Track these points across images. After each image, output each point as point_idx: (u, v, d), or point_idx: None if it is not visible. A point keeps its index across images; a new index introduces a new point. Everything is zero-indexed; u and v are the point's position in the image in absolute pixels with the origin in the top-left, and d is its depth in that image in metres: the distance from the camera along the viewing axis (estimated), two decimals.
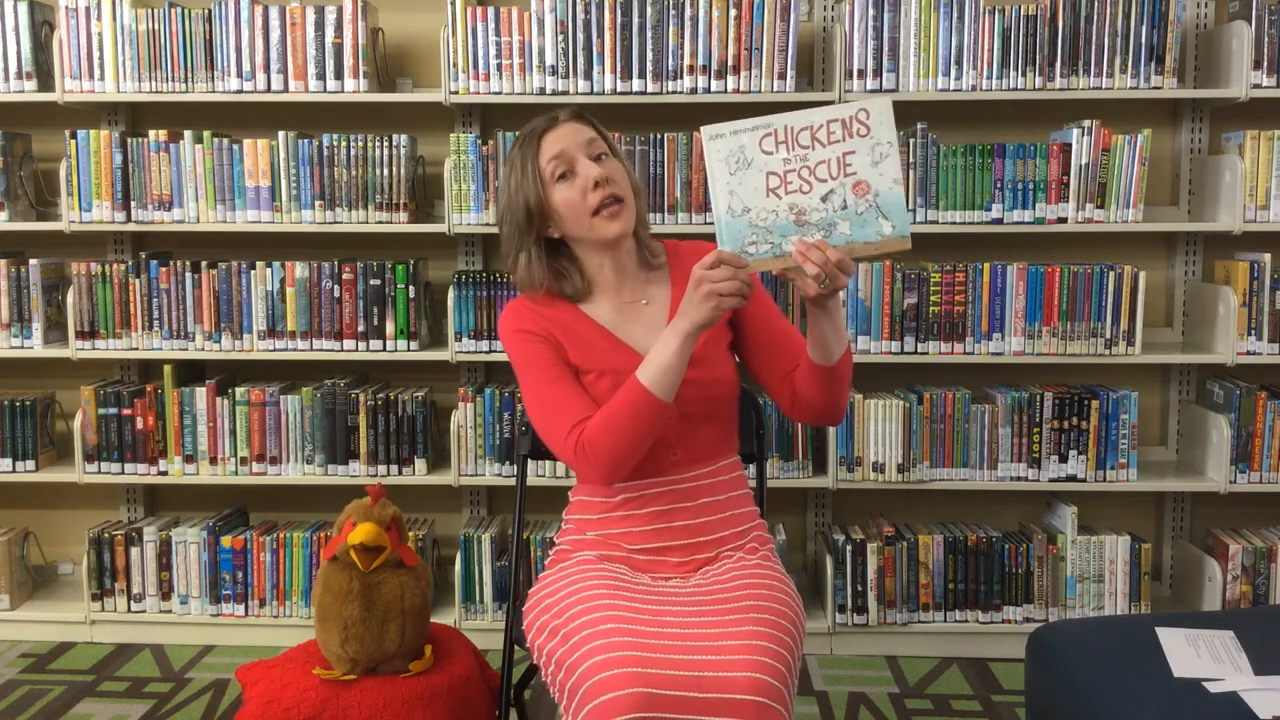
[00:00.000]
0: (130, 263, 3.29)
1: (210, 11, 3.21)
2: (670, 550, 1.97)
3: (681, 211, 3.20)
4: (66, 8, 3.22)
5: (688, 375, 1.87)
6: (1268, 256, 3.17)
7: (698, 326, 1.80)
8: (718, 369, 2.00)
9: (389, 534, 2.21)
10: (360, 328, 3.26)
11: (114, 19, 3.22)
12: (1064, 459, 3.21)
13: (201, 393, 3.28)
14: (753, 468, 2.31)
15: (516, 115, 3.37)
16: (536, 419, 1.97)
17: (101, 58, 3.24)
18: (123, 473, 3.32)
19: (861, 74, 3.17)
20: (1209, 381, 3.39)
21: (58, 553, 3.64)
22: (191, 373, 3.40)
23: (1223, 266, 3.29)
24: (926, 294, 3.19)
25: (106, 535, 3.32)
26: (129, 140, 3.25)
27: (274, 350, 3.27)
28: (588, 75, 3.17)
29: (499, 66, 3.19)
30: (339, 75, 3.21)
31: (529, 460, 2.38)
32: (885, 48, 3.16)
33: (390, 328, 3.25)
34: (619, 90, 3.17)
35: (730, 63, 3.15)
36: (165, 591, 3.33)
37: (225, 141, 3.25)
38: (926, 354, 3.21)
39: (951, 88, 3.16)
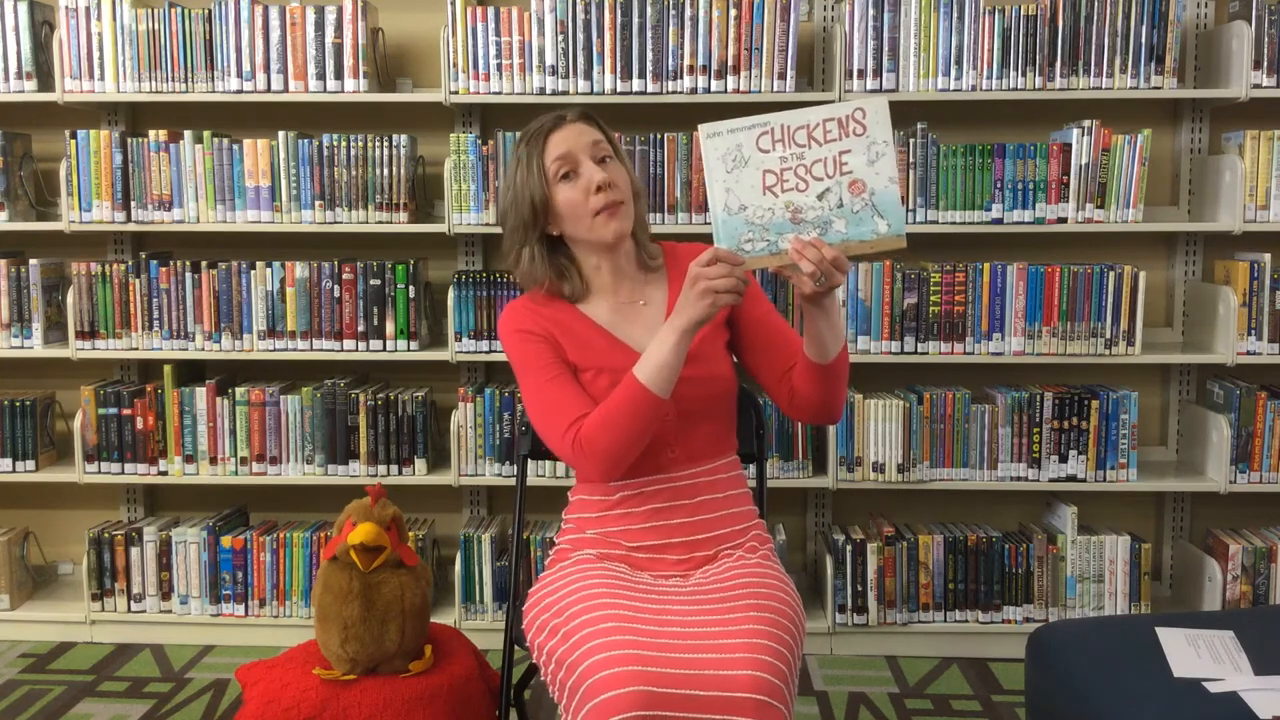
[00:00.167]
0: (130, 263, 3.29)
1: (210, 11, 3.21)
2: (669, 548, 1.97)
3: (681, 211, 3.20)
4: (66, 8, 3.23)
5: (685, 373, 1.88)
6: (1268, 256, 3.16)
7: (694, 323, 1.81)
8: (715, 367, 2.01)
9: (389, 534, 2.21)
10: (360, 328, 3.26)
11: (114, 19, 3.22)
12: (1064, 459, 3.21)
13: (201, 393, 3.28)
14: (753, 468, 2.31)
15: (516, 115, 3.37)
16: (535, 417, 1.98)
17: (101, 58, 3.24)
18: (123, 473, 3.32)
19: (861, 74, 3.17)
20: (1209, 381, 3.39)
21: (58, 553, 3.64)
22: (191, 373, 3.40)
23: (1223, 266, 3.29)
24: (926, 294, 3.19)
25: (106, 535, 3.32)
26: (129, 140, 3.25)
27: (274, 350, 3.27)
28: (588, 75, 3.17)
29: (499, 66, 3.19)
30: (339, 75, 3.21)
31: (529, 460, 2.39)
32: (885, 48, 3.16)
33: (390, 328, 3.25)
34: (619, 90, 3.17)
35: (730, 63, 3.15)
36: (165, 591, 3.33)
37: (225, 141, 3.25)
38: (926, 354, 3.21)
39: (951, 88, 3.16)
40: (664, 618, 1.79)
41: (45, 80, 3.32)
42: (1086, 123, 3.14)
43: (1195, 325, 3.39)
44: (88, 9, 3.22)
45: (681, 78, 3.16)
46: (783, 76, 3.15)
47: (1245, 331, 3.18)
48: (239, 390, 3.29)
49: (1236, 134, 3.20)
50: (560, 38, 3.16)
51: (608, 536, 2.01)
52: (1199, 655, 2.06)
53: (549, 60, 3.17)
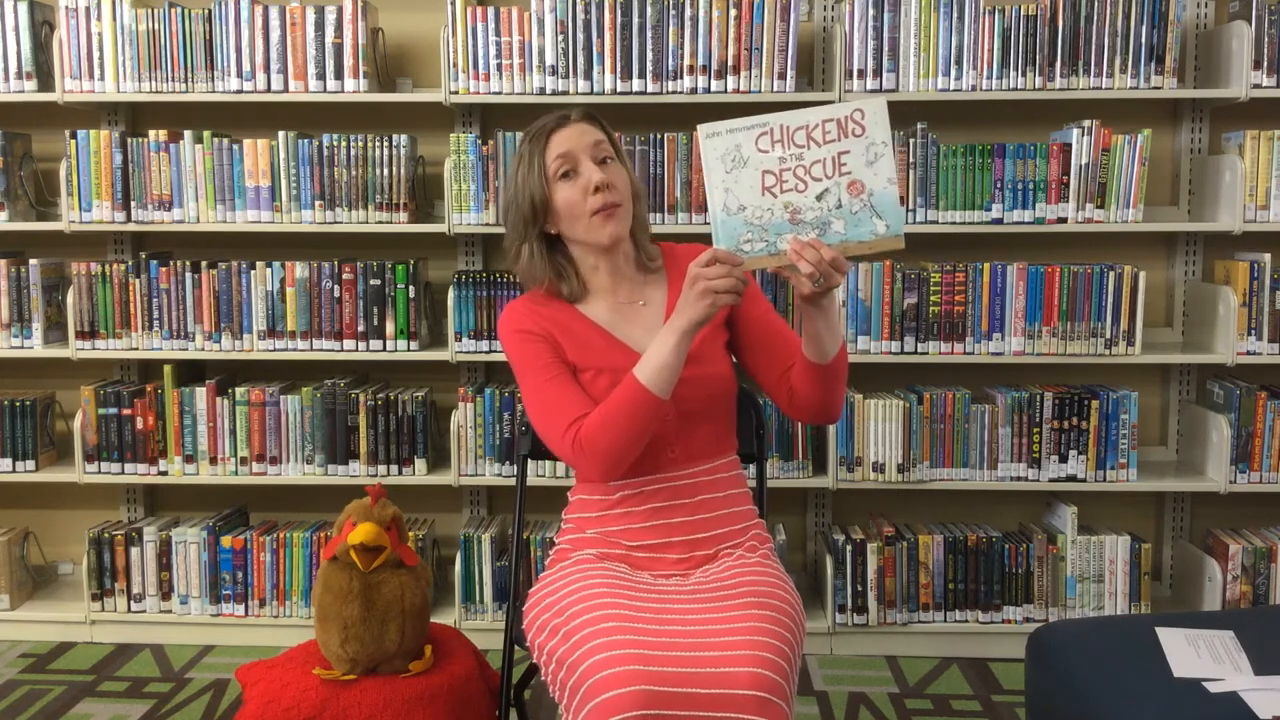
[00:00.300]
0: (130, 263, 3.29)
1: (210, 11, 3.21)
2: (669, 547, 1.98)
3: (681, 211, 3.20)
4: (66, 8, 3.23)
5: (685, 373, 1.88)
6: (1268, 256, 3.16)
7: (694, 324, 1.81)
8: (714, 366, 2.01)
9: (389, 534, 2.21)
10: (360, 328, 3.26)
11: (114, 19, 3.22)
12: (1064, 459, 3.21)
13: (201, 393, 3.28)
14: (753, 468, 2.31)
15: (516, 115, 3.37)
16: (535, 416, 1.98)
17: (101, 58, 3.24)
18: (123, 473, 3.32)
19: (861, 74, 3.17)
20: (1209, 381, 3.39)
21: (58, 553, 3.64)
22: (191, 373, 3.40)
23: (1223, 266, 3.29)
24: (926, 294, 3.19)
25: (106, 535, 3.32)
26: (129, 140, 3.25)
27: (274, 350, 3.27)
28: (588, 75, 3.17)
29: (499, 66, 3.19)
30: (339, 75, 3.21)
31: (529, 460, 2.39)
32: (885, 48, 3.16)
33: (390, 328, 3.26)
34: (619, 90, 3.17)
35: (730, 63, 3.15)
36: (165, 591, 3.33)
37: (225, 141, 3.25)
38: (926, 354, 3.21)
39: (951, 88, 3.16)
40: (664, 617, 1.79)
41: (45, 80, 3.32)
42: (1086, 123, 3.14)
43: (1195, 325, 3.39)
44: (88, 9, 3.22)
45: (681, 78, 3.16)
46: (783, 76, 3.15)
47: (1245, 331, 3.18)
48: (239, 390, 3.29)
49: (1236, 134, 3.20)
50: (560, 38, 3.16)
51: (608, 536, 2.01)
52: (1199, 655, 2.06)
53: (549, 60, 3.17)
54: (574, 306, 2.06)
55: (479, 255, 3.48)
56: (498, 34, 3.18)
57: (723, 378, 2.03)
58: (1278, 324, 3.18)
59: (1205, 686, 1.94)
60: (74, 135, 3.24)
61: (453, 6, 3.17)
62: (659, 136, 3.19)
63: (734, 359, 2.09)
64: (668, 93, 3.17)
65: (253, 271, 3.25)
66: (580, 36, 3.16)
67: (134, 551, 3.32)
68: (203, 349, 3.28)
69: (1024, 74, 3.15)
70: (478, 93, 3.20)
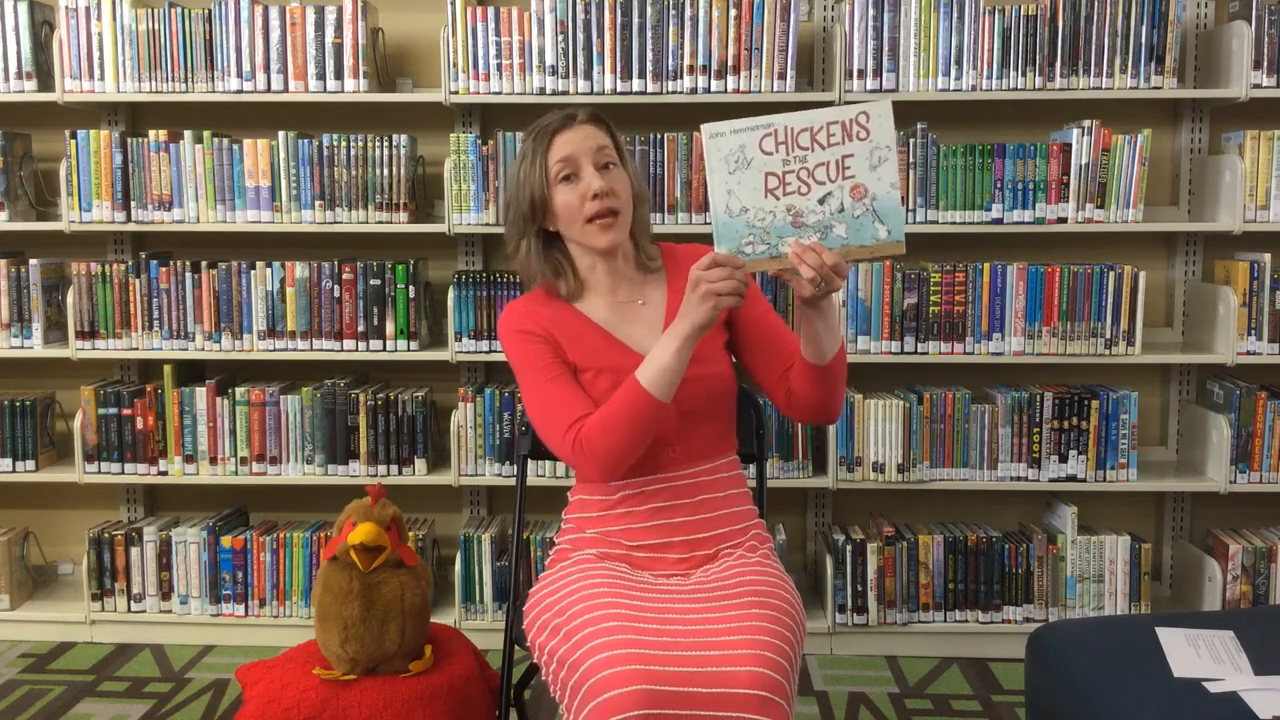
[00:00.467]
0: (130, 263, 3.29)
1: (210, 11, 3.21)
2: (670, 547, 1.98)
3: (681, 211, 3.20)
4: (66, 8, 3.23)
5: (685, 373, 1.88)
6: (1268, 256, 3.17)
7: (697, 328, 1.82)
8: (714, 366, 2.01)
9: (389, 534, 2.21)
10: (360, 328, 3.26)
11: (114, 19, 3.22)
12: (1064, 459, 3.21)
13: (201, 393, 3.28)
14: (753, 468, 2.31)
15: (516, 115, 3.37)
16: (535, 417, 1.98)
17: (101, 58, 3.24)
18: (123, 473, 3.32)
19: (861, 74, 3.17)
20: (1209, 381, 3.39)
21: (58, 553, 3.64)
22: (191, 373, 3.40)
23: (1223, 266, 3.29)
24: (926, 294, 3.19)
25: (106, 535, 3.32)
26: (129, 140, 3.25)
27: (274, 350, 3.27)
28: (588, 75, 3.17)
29: (499, 66, 3.19)
30: (339, 75, 3.21)
31: (529, 460, 2.39)
32: (885, 48, 3.16)
33: (390, 328, 3.25)
34: (619, 90, 3.17)
35: (730, 63, 3.15)
36: (165, 591, 3.33)
37: (225, 141, 3.25)
38: (926, 354, 3.21)
39: (951, 88, 3.16)
40: (665, 616, 1.79)
41: (45, 80, 3.31)
42: (1086, 123, 3.14)
43: (1195, 325, 3.39)
44: (88, 9, 3.22)
45: (681, 78, 3.16)
46: (783, 76, 3.15)
47: (1245, 331, 3.18)
48: (239, 390, 3.29)
49: (1236, 134, 3.20)
50: (560, 38, 3.16)
51: (608, 536, 2.01)
52: (1199, 655, 2.06)
53: (549, 60, 3.17)
54: (574, 306, 2.06)
55: (479, 255, 3.48)
56: (498, 34, 3.18)
57: (723, 378, 2.03)
58: (1278, 324, 3.18)
59: (1205, 686, 1.94)
60: (74, 135, 3.24)
61: (453, 6, 3.17)
62: (659, 136, 3.19)
63: (733, 359, 2.10)
64: (668, 93, 3.17)
65: (253, 271, 3.25)
66: (580, 36, 3.15)
67: (134, 551, 3.32)
68: (203, 349, 3.28)
69: (1024, 74, 3.15)
70: (478, 93, 3.20)
